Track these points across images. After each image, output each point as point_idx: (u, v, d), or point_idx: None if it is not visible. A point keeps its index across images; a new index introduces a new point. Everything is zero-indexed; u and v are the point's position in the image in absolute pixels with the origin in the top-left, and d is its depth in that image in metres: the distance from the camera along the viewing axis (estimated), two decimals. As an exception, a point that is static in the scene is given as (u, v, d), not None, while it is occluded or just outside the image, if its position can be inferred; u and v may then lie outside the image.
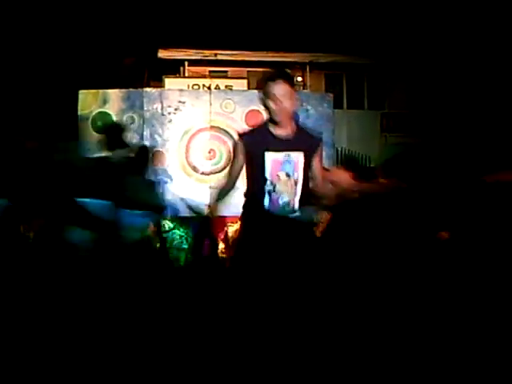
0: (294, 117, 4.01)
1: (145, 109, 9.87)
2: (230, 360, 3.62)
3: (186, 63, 18.18)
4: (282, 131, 3.83)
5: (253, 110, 9.97)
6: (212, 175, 9.71)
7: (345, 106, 19.48)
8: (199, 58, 17.74)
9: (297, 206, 3.86)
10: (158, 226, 6.77)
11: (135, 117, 9.87)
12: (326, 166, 9.67)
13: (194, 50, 17.58)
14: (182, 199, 9.50)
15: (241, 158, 3.92)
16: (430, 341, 4.35)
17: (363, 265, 5.27)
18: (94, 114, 9.77)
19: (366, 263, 5.28)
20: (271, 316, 3.67)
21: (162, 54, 17.73)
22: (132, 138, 9.78)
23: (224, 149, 9.87)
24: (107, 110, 9.82)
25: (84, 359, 4.02)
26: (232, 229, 8.96)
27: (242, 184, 4.02)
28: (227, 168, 4.12)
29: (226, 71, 17.68)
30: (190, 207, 9.08)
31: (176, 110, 9.92)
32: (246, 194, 3.97)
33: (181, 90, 10.85)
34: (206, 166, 9.72)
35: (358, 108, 19.73)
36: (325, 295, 4.00)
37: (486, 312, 4.73)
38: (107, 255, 5.76)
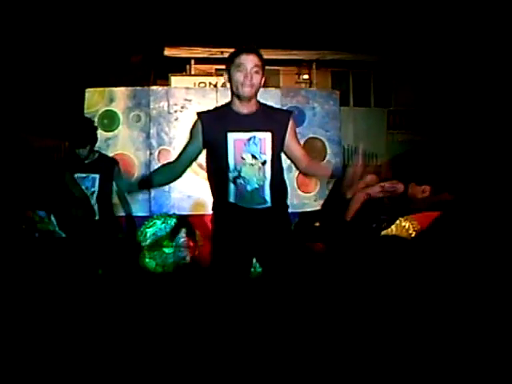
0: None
1: (151, 107, 9.87)
2: (218, 361, 3.44)
3: (193, 61, 18.20)
4: (245, 108, 3.51)
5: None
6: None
7: (351, 103, 19.46)
8: (205, 55, 17.74)
9: (268, 193, 3.50)
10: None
11: (141, 115, 9.87)
12: (333, 163, 9.73)
13: (201, 48, 17.59)
14: (188, 197, 9.51)
15: (197, 141, 3.58)
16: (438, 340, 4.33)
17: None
18: (100, 112, 9.77)
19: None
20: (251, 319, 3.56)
21: (169, 52, 17.75)
22: (138, 136, 9.81)
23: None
24: (114, 109, 9.83)
25: (82, 358, 4.03)
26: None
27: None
28: (183, 154, 3.71)
29: (232, 69, 17.65)
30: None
31: (182, 108, 9.92)
32: (211, 190, 3.67)
33: (187, 88, 10.85)
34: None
35: (364, 105, 19.71)
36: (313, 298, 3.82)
37: (488, 312, 4.72)
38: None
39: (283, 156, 3.66)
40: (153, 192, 9.44)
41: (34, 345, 4.24)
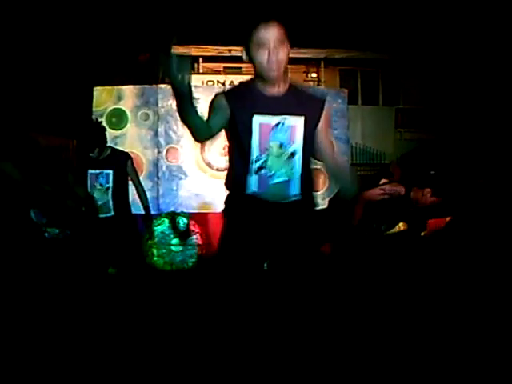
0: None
1: (159, 105, 9.87)
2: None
3: (201, 59, 18.21)
4: (273, 90, 2.98)
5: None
6: (226, 171, 9.69)
7: (359, 101, 19.43)
8: (214, 54, 17.75)
9: (297, 189, 3.03)
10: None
11: (150, 113, 9.88)
12: (341, 162, 9.70)
13: (209, 47, 17.60)
14: (196, 195, 9.52)
15: (222, 114, 2.98)
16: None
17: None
18: (108, 110, 9.79)
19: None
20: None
21: (177, 50, 17.75)
22: (147, 134, 9.82)
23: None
24: (122, 107, 9.85)
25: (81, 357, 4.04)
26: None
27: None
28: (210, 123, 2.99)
29: (240, 67, 17.64)
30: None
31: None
32: (227, 181, 3.17)
33: (195, 87, 10.76)
34: (221, 163, 9.70)
35: (372, 104, 19.68)
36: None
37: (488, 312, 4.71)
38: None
39: None
40: (161, 190, 9.47)
41: (41, 343, 4.24)
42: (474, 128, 16.26)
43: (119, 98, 9.90)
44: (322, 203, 9.70)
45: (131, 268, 5.97)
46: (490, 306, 4.78)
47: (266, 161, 2.97)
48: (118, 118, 9.74)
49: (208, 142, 3.18)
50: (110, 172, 5.75)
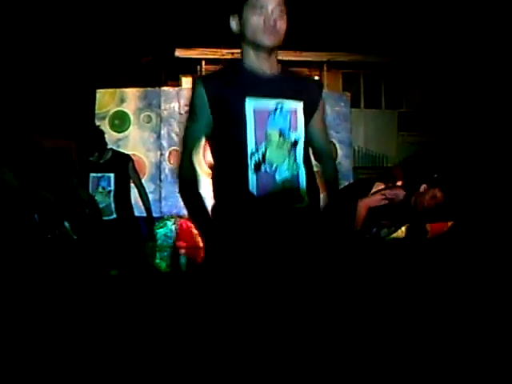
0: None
1: (162, 108, 9.88)
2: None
3: (203, 62, 18.22)
4: (267, 66, 2.51)
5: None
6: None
7: (362, 105, 19.43)
8: (216, 57, 17.75)
9: (304, 185, 2.48)
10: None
11: (152, 116, 9.89)
12: (344, 165, 9.72)
13: (211, 49, 17.61)
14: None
15: (203, 119, 2.55)
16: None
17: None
18: (111, 112, 9.81)
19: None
20: None
21: (180, 53, 17.79)
22: (149, 136, 9.82)
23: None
24: (124, 109, 9.86)
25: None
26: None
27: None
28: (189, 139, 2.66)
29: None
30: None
31: (193, 108, 9.92)
32: (217, 175, 2.59)
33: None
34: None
35: (375, 107, 19.68)
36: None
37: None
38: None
39: None
40: (163, 193, 9.47)
41: (44, 343, 4.25)
42: (476, 131, 16.25)
43: (122, 101, 9.91)
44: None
45: (133, 270, 5.98)
46: (491, 308, 4.77)
47: (264, 154, 2.41)
48: (121, 121, 9.75)
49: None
50: (112, 175, 5.78)
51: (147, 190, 6.23)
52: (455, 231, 5.67)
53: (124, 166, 5.85)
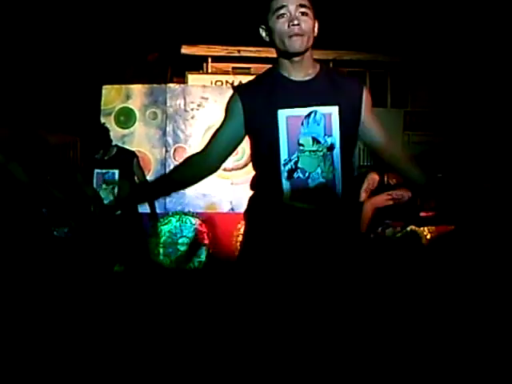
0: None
1: (168, 104, 9.88)
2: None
3: (210, 59, 18.21)
4: (300, 72, 2.51)
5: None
6: (234, 171, 9.68)
7: (368, 103, 19.38)
8: (222, 54, 17.75)
9: (340, 188, 2.49)
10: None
11: (158, 112, 9.90)
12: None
13: (218, 47, 17.61)
14: (203, 195, 9.52)
15: (236, 123, 2.54)
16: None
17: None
18: (117, 109, 9.81)
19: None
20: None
21: (186, 50, 17.78)
22: (155, 133, 9.83)
23: (246, 145, 9.84)
24: (130, 106, 9.87)
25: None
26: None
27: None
28: (216, 142, 2.57)
29: (249, 67, 17.67)
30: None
31: (199, 106, 9.92)
32: (252, 183, 2.63)
33: (204, 86, 10.87)
34: (228, 162, 9.62)
35: (380, 106, 19.60)
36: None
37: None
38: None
39: None
40: (168, 189, 9.46)
41: (48, 340, 4.26)
42: (482, 131, 16.21)
43: (128, 97, 9.91)
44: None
45: (137, 266, 5.99)
46: (494, 308, 4.77)
47: (297, 162, 2.45)
48: (127, 117, 9.76)
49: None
50: (116, 171, 5.78)
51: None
52: (460, 230, 5.66)
53: (129, 163, 5.86)
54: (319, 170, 2.46)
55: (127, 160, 5.87)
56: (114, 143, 6.01)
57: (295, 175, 2.45)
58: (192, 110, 9.91)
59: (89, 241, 5.72)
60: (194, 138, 9.75)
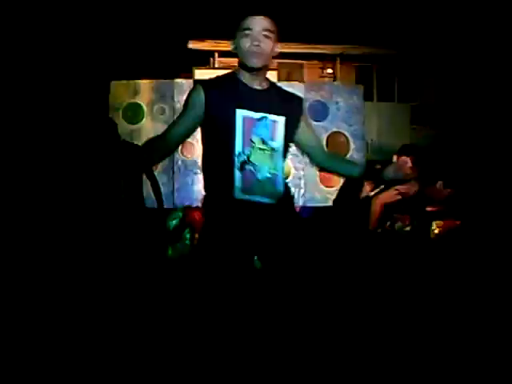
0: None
1: (175, 100, 9.88)
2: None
3: (216, 54, 18.21)
4: (256, 83, 3.01)
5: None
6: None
7: (375, 98, 19.37)
8: (229, 49, 17.72)
9: (281, 185, 3.01)
10: None
11: (166, 108, 9.90)
12: (357, 158, 9.71)
13: (225, 42, 17.59)
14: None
15: (195, 115, 2.98)
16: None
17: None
18: (124, 104, 9.83)
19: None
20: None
21: (193, 45, 17.78)
22: (162, 128, 9.82)
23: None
24: (138, 101, 9.88)
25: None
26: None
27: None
28: (176, 127, 3.12)
29: (256, 63, 17.62)
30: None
31: (206, 101, 9.92)
32: (205, 173, 3.09)
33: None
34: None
35: (388, 100, 19.62)
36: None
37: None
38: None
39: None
40: (176, 184, 9.48)
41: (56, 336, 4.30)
42: (490, 125, 16.17)
43: (135, 93, 9.92)
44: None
45: (143, 261, 6.00)
46: (499, 306, 4.77)
47: (249, 156, 2.90)
48: (134, 112, 9.77)
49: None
50: None
51: (160, 183, 6.25)
52: (466, 226, 5.66)
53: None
54: (266, 167, 2.93)
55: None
56: (122, 139, 6.01)
57: (247, 167, 2.89)
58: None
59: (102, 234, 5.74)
60: (202, 133, 9.75)
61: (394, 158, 5.74)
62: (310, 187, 9.45)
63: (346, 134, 10.03)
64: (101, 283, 5.29)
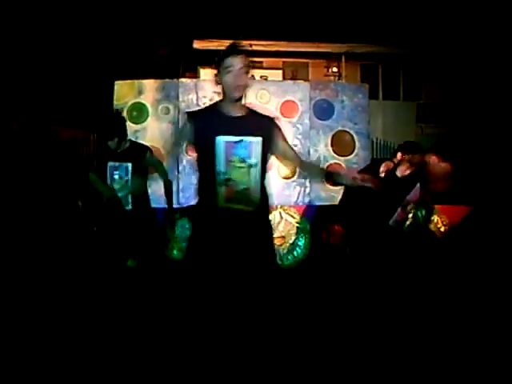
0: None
1: (180, 99, 9.88)
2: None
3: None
4: (235, 111, 3.57)
5: (288, 101, 9.99)
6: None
7: (380, 96, 19.36)
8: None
9: (256, 196, 3.52)
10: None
11: (170, 107, 9.89)
12: (362, 156, 9.70)
13: (230, 41, 17.58)
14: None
15: (185, 140, 3.78)
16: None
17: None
18: (129, 104, 9.82)
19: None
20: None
21: (198, 44, 17.77)
22: (167, 128, 9.82)
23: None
24: (142, 101, 9.87)
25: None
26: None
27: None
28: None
29: (261, 62, 17.63)
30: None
31: (211, 100, 9.76)
32: (197, 186, 3.65)
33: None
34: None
35: (393, 99, 19.60)
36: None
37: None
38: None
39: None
40: (181, 184, 9.48)
41: (61, 332, 4.30)
42: (495, 123, 16.14)
43: (140, 92, 9.92)
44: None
45: (150, 261, 5.99)
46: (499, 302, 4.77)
47: (230, 174, 3.44)
48: (139, 112, 9.77)
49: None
50: (129, 165, 5.78)
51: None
52: (471, 221, 5.65)
53: (142, 157, 5.83)
54: (244, 181, 3.46)
55: (140, 154, 5.85)
56: (127, 138, 6.00)
57: (227, 183, 3.44)
58: (204, 104, 9.89)
59: (102, 235, 5.73)
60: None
61: (398, 155, 5.72)
62: (316, 186, 9.43)
63: (352, 132, 10.03)
64: (105, 283, 5.30)
